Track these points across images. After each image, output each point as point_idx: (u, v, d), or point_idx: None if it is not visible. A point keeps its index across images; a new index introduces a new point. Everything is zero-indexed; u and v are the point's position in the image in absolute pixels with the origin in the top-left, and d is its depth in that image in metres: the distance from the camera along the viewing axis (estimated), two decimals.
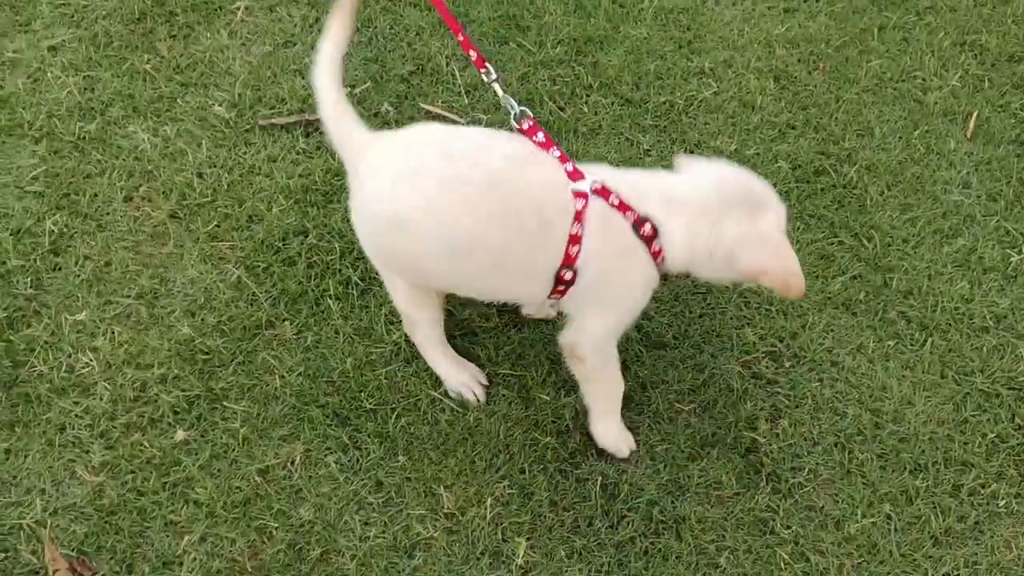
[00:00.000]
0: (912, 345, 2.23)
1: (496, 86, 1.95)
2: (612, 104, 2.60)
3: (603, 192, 1.74)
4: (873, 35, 2.82)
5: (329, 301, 2.17)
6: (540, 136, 1.84)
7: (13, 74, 2.53)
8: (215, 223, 2.27)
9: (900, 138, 2.59)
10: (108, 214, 2.28)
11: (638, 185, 1.78)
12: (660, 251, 1.77)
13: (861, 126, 2.61)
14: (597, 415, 1.98)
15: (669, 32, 2.77)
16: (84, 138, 2.41)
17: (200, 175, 2.36)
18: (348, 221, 2.29)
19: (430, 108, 2.54)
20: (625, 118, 2.57)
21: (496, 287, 1.84)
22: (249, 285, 2.18)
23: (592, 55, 2.70)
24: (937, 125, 2.63)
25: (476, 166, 1.69)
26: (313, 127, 2.46)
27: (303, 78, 2.57)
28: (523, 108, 1.88)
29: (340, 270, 2.23)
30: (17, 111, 2.44)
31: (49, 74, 2.52)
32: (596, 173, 1.78)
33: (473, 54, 1.96)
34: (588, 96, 2.60)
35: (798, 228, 2.39)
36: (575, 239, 1.72)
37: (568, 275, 1.76)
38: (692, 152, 2.52)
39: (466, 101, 2.57)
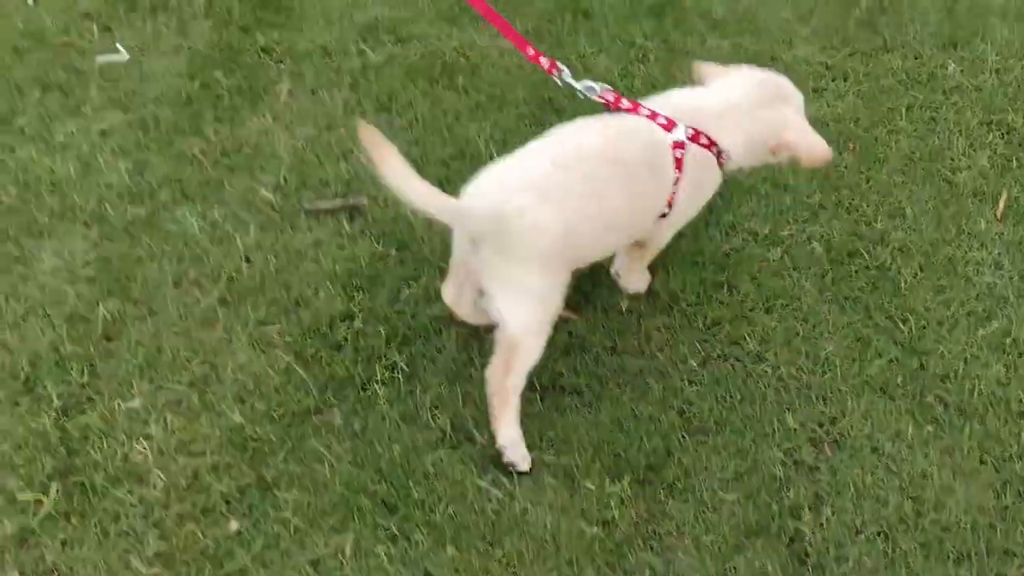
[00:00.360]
0: (950, 430, 2.25)
1: (571, 80, 2.22)
2: None
3: (695, 137, 2.09)
4: (901, 115, 2.88)
5: (376, 386, 2.21)
6: (625, 103, 2.13)
7: (64, 158, 2.60)
8: (263, 308, 2.32)
9: (931, 219, 2.64)
10: (159, 299, 2.33)
11: (699, 112, 2.13)
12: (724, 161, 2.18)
13: (892, 207, 2.65)
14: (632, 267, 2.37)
15: None
16: (134, 222, 2.47)
17: (248, 260, 2.42)
18: (392, 304, 2.35)
19: None
20: None
21: (630, 235, 2.20)
22: (297, 371, 2.22)
23: None
24: (967, 205, 2.67)
25: (596, 158, 2.02)
26: (357, 211, 2.52)
27: (346, 162, 2.64)
28: (603, 84, 2.19)
29: (386, 355, 2.27)
30: (69, 195, 2.51)
31: (100, 158, 2.59)
32: (662, 107, 2.12)
33: (545, 61, 2.26)
34: None
35: (833, 311, 2.43)
36: (677, 181, 2.09)
37: (666, 210, 2.14)
38: (728, 232, 2.57)
39: None
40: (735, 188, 2.66)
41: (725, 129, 2.13)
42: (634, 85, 2.89)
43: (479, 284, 2.07)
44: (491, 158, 2.67)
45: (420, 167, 2.64)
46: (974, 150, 2.80)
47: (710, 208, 2.60)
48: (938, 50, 3.07)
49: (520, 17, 3.05)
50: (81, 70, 2.83)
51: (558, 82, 2.24)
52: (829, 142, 2.77)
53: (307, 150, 2.66)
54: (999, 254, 2.57)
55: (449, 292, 2.23)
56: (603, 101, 2.16)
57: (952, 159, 2.78)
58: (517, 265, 1.99)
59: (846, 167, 2.74)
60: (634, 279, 2.41)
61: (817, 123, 2.82)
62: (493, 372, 2.08)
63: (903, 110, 2.89)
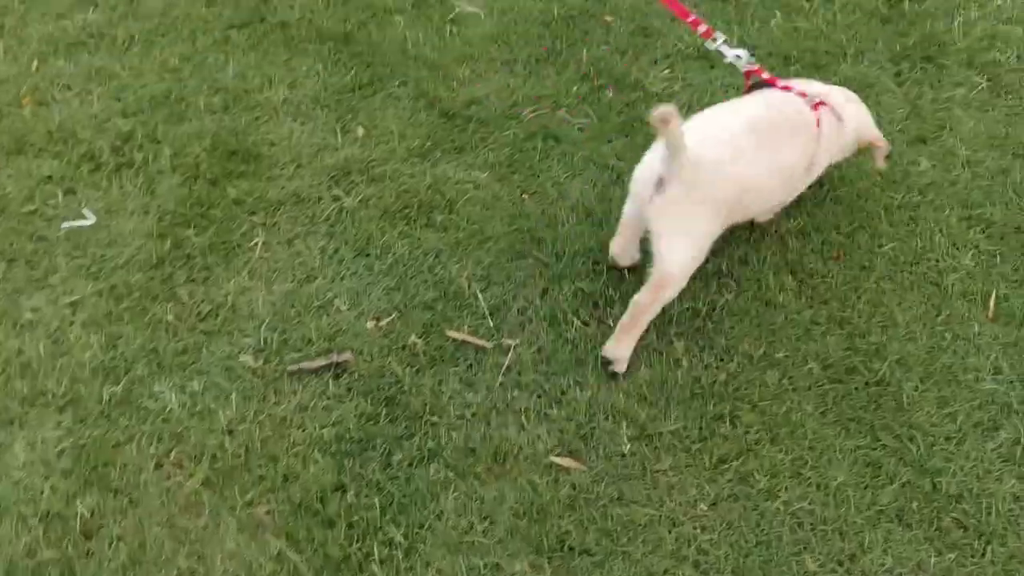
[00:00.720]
0: (972, 556, 2.17)
1: (724, 48, 2.69)
2: None
3: (821, 104, 2.57)
4: (880, 217, 2.87)
5: (374, 567, 2.10)
6: (766, 74, 2.64)
7: (33, 337, 2.51)
8: (250, 488, 2.21)
9: (924, 326, 2.60)
10: (139, 486, 2.22)
11: (824, 93, 2.64)
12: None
13: (884, 317, 2.62)
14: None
15: None
16: (110, 402, 2.37)
17: (231, 432, 2.32)
18: (385, 470, 2.25)
19: (456, 335, 2.53)
20: (651, 328, 2.56)
21: (792, 190, 2.64)
22: (290, 557, 2.10)
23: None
24: (958, 309, 2.64)
25: (771, 122, 2.48)
26: (342, 368, 2.44)
27: (328, 315, 2.57)
28: (750, 60, 2.68)
29: (382, 528, 2.16)
30: (40, 378, 2.41)
31: (70, 334, 2.50)
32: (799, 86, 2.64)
33: (703, 27, 2.71)
34: (611, 309, 2.61)
35: (839, 435, 2.36)
36: (820, 137, 2.56)
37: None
38: (723, 358, 2.51)
39: (491, 323, 2.57)
40: (724, 310, 2.62)
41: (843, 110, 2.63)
42: (611, 211, 2.86)
43: (648, 227, 2.39)
44: (475, 296, 2.63)
45: (404, 312, 2.60)
46: (957, 249, 2.79)
47: (705, 333, 2.57)
48: (908, 146, 3.08)
49: (489, 149, 3.04)
50: (47, 238, 2.74)
51: (708, 46, 2.73)
52: (812, 252, 2.80)
53: (286, 306, 2.58)
54: (996, 358, 2.53)
55: (617, 245, 2.61)
56: (745, 68, 2.66)
57: (937, 260, 2.76)
58: (694, 208, 2.34)
59: (832, 278, 2.70)
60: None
61: (799, 234, 2.83)
62: (640, 300, 2.41)
63: (882, 212, 2.88)
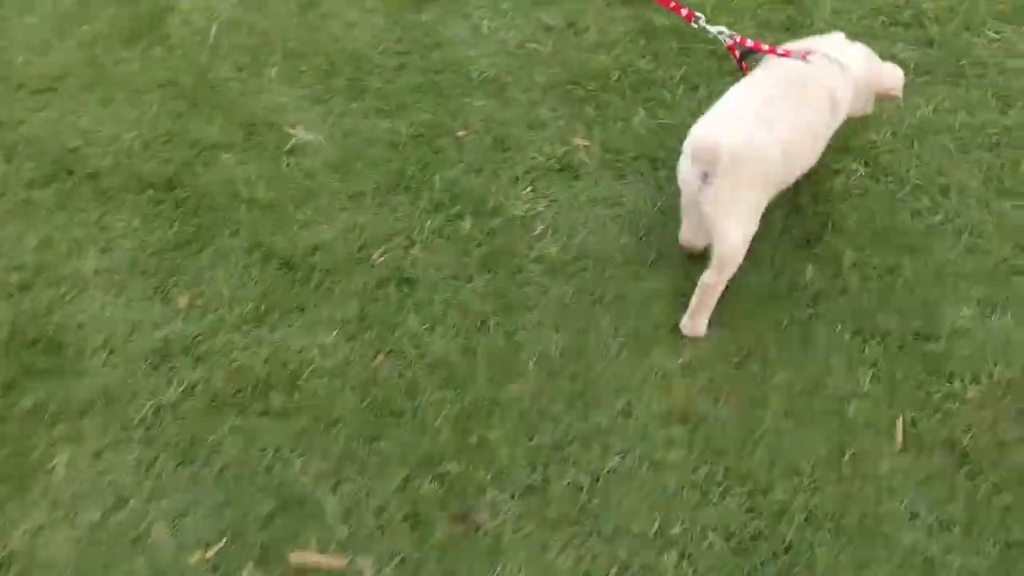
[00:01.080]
0: None
1: (708, 26, 2.80)
2: (512, 500, 2.26)
3: (808, 55, 2.74)
4: (769, 340, 2.61)
5: None
6: (750, 42, 2.79)
7: None
8: None
9: (830, 470, 2.34)
10: None
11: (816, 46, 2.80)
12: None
13: (787, 465, 2.34)
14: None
15: (557, 383, 2.50)
16: None
17: None
18: None
19: (301, 559, 2.14)
20: (530, 517, 2.23)
21: (825, 136, 2.77)
22: None
23: (479, 433, 2.39)
24: (864, 443, 2.39)
25: (787, 87, 2.65)
26: None
27: (143, 551, 2.14)
28: (731, 33, 2.81)
29: None
30: None
31: None
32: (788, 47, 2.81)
33: (684, 11, 2.84)
34: (483, 496, 2.27)
35: None
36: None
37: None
38: (613, 539, 2.19)
39: (345, 532, 2.19)
40: (610, 479, 2.31)
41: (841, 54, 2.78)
42: (477, 366, 2.53)
43: (701, 213, 2.53)
44: (323, 501, 2.25)
45: (237, 534, 2.17)
46: (854, 370, 2.54)
47: (589, 513, 2.25)
48: (792, 251, 2.85)
49: (335, 304, 2.68)
50: None
51: (694, 25, 2.83)
52: (701, 393, 2.52)
53: (93, 544, 2.15)
54: (913, 500, 2.28)
55: (686, 234, 2.71)
56: (728, 42, 2.79)
57: (835, 387, 2.51)
58: (742, 192, 2.49)
59: (724, 423, 2.42)
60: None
61: (685, 371, 2.54)
62: (707, 281, 2.55)
63: (771, 335, 2.63)
